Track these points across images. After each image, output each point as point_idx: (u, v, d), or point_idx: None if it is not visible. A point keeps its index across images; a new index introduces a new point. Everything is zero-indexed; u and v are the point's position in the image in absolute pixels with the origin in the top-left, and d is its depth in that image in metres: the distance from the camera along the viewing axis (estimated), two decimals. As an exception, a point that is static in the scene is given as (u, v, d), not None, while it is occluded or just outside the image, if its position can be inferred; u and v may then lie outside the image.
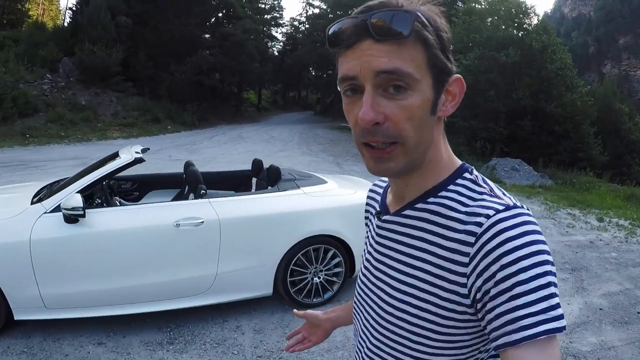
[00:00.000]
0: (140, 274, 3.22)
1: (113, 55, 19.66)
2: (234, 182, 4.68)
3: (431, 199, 0.76)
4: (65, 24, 26.37)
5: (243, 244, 3.47)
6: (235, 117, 29.57)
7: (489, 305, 0.66)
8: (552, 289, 0.64)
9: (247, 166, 4.78)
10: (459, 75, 0.73)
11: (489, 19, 16.90)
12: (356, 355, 0.94)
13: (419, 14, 0.66)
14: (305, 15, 46.39)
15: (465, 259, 0.69)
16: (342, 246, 3.78)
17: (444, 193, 0.76)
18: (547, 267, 0.65)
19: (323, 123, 31.04)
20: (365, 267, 0.90)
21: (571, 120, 16.38)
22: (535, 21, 17.17)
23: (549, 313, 0.62)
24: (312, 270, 3.73)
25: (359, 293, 0.91)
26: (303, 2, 50.49)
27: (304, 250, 3.65)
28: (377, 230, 0.86)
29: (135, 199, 4.35)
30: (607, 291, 4.54)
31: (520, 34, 16.27)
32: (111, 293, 3.17)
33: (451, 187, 0.76)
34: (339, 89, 0.73)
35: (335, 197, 3.91)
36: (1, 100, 14.64)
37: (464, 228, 0.70)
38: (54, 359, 2.99)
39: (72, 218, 3.00)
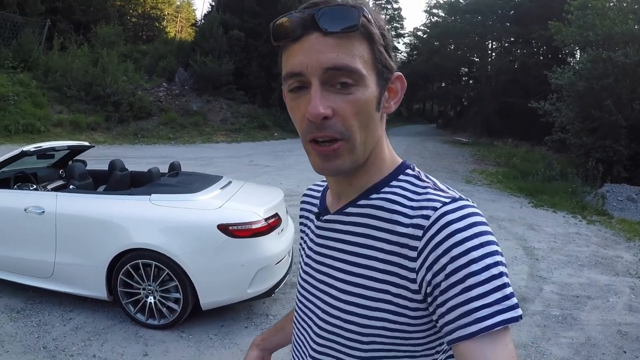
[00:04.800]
0: None
1: (223, 66, 21.22)
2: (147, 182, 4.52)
3: (374, 195, 0.74)
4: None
5: (76, 240, 3.52)
6: (352, 128, 29.41)
7: (441, 299, 0.64)
8: (504, 279, 0.62)
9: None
10: (400, 73, 0.74)
11: (609, 12, 13.61)
12: None
13: (365, 9, 0.66)
14: (428, 24, 45.24)
15: (414, 253, 0.67)
16: (180, 269, 3.29)
17: (387, 189, 0.74)
18: (498, 258, 0.63)
19: (439, 137, 29.42)
20: (305, 272, 0.85)
21: None
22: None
23: (504, 303, 0.61)
24: (144, 286, 3.38)
25: (300, 301, 0.87)
26: (426, 11, 49.19)
27: (133, 263, 3.34)
28: (316, 231, 0.83)
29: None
30: None
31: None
32: None
33: (394, 182, 0.75)
34: (283, 86, 0.71)
35: (187, 210, 3.39)
36: (118, 104, 16.74)
37: (410, 222, 0.68)
38: None
39: None
